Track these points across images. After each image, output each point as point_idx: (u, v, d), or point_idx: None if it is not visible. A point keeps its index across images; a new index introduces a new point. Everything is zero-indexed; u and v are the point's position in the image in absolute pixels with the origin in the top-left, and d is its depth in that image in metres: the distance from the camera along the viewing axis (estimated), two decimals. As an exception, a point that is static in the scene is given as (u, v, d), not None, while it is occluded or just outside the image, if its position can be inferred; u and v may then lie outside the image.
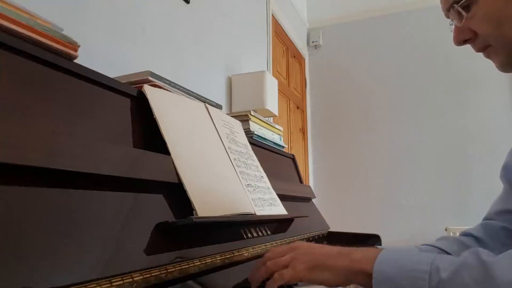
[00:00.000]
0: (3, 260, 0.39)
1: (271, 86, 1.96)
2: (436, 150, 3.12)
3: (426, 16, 3.25)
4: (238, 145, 1.02)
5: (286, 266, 0.59)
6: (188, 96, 0.95)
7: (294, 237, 1.09)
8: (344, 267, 0.56)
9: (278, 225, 1.05)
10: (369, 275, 0.53)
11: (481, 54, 0.66)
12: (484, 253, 0.49)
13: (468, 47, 0.67)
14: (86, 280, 0.45)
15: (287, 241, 1.04)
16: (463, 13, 0.61)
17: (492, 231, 0.78)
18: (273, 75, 2.54)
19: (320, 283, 0.58)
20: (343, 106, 3.47)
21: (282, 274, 0.59)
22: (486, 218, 0.83)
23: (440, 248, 0.75)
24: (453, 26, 0.65)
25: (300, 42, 3.42)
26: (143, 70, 0.85)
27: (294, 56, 3.29)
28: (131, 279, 0.50)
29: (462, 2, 0.61)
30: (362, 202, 3.24)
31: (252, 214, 0.86)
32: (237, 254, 0.77)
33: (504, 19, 0.58)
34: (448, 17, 0.65)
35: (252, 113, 1.40)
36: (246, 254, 0.80)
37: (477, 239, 0.77)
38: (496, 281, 0.45)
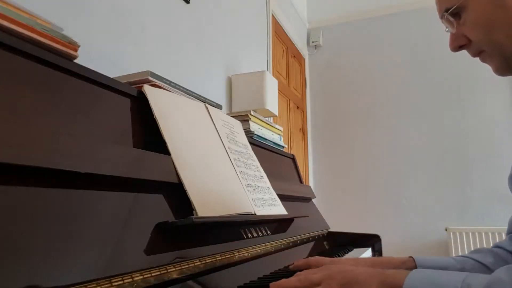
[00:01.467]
0: (3, 260, 0.39)
1: (271, 86, 1.96)
2: (436, 150, 3.12)
3: (426, 16, 3.25)
4: (238, 145, 1.02)
5: (318, 284, 0.58)
6: (188, 96, 0.95)
7: (294, 237, 1.10)
8: (376, 281, 0.55)
9: (278, 225, 1.05)
10: None
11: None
12: None
13: None
14: (86, 280, 0.45)
15: (287, 241, 1.04)
16: (453, 20, 0.63)
17: None
18: (273, 75, 2.54)
19: None
20: (343, 106, 3.46)
21: None
22: (510, 232, 0.81)
23: (476, 260, 0.74)
24: (449, 33, 0.66)
25: (300, 42, 3.42)
26: (143, 70, 0.85)
27: (294, 56, 3.29)
28: (131, 279, 0.50)
29: (451, 10, 0.62)
30: (362, 202, 3.24)
31: (252, 214, 0.86)
32: (237, 254, 0.77)
33: (493, 25, 0.59)
34: (444, 24, 0.67)
35: (252, 113, 1.40)
36: (246, 254, 0.80)
37: (511, 253, 0.76)
38: None
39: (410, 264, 0.72)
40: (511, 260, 0.74)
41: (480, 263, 0.74)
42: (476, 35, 0.62)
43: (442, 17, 0.65)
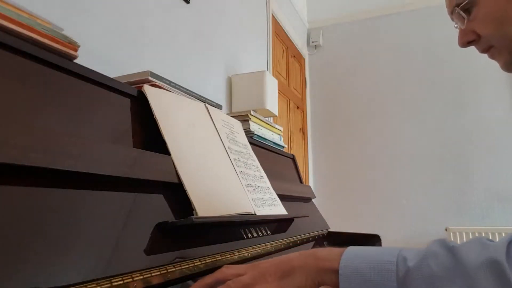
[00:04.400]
0: (3, 260, 0.39)
1: (271, 86, 1.96)
2: (436, 150, 3.12)
3: (426, 16, 3.25)
4: (238, 145, 1.02)
5: (253, 285, 0.52)
6: (188, 96, 0.95)
7: (294, 237, 1.10)
8: (312, 266, 0.52)
9: (278, 225, 1.05)
10: (336, 272, 0.50)
11: (482, 54, 0.67)
12: (447, 241, 0.49)
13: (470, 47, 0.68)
14: (86, 280, 0.45)
15: (287, 241, 1.04)
16: (464, 15, 0.62)
17: None
18: (273, 75, 2.54)
19: (293, 286, 0.52)
20: (343, 106, 3.46)
21: None
22: None
23: None
24: (458, 29, 0.66)
25: (300, 42, 3.42)
26: (143, 70, 0.85)
27: (294, 56, 3.29)
28: (131, 279, 0.50)
29: (462, 5, 0.62)
30: (362, 202, 3.24)
31: (252, 214, 0.86)
32: (237, 254, 0.77)
33: (505, 19, 0.59)
34: (453, 19, 0.66)
35: (252, 113, 1.40)
36: (246, 254, 0.80)
37: None
38: (464, 266, 0.45)
39: None
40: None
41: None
42: (487, 30, 0.62)
43: (452, 12, 0.64)
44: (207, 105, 0.97)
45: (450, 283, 0.45)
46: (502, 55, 0.63)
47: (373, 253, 0.51)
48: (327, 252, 0.54)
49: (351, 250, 0.52)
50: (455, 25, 0.66)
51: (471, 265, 0.44)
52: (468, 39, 0.65)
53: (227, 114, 1.20)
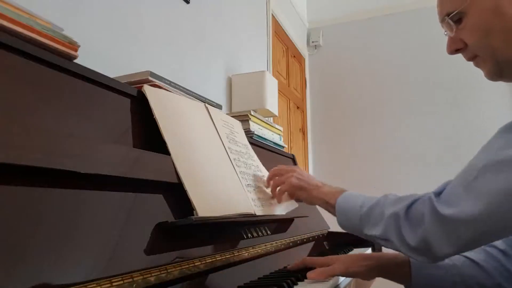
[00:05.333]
0: (3, 260, 0.39)
1: (271, 86, 1.96)
2: (436, 150, 3.12)
3: (426, 16, 3.25)
4: (238, 145, 1.02)
5: (283, 182, 0.93)
6: (188, 96, 0.95)
7: (294, 237, 1.10)
8: (316, 196, 0.86)
9: (278, 225, 1.05)
10: (329, 205, 0.82)
11: None
12: (391, 195, 0.73)
13: None
14: (86, 280, 0.45)
15: (287, 241, 1.04)
16: (453, 24, 0.66)
17: None
18: (273, 75, 2.54)
19: (300, 200, 0.95)
20: (343, 106, 3.46)
21: (281, 188, 0.94)
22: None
23: (466, 257, 0.79)
24: (447, 37, 0.70)
25: (300, 42, 3.42)
26: (143, 70, 0.85)
27: (294, 56, 3.29)
28: (131, 279, 0.50)
29: (452, 15, 0.65)
30: (362, 202, 3.24)
31: (252, 214, 0.86)
32: (237, 254, 0.77)
33: (490, 31, 0.63)
34: (443, 27, 0.70)
35: (252, 113, 1.40)
36: (246, 254, 0.80)
37: (502, 252, 0.79)
38: (384, 214, 0.69)
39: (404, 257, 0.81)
40: (502, 258, 0.77)
41: (471, 260, 0.78)
42: (472, 39, 0.65)
43: (442, 20, 0.68)
44: (207, 105, 0.97)
45: (379, 222, 0.70)
46: (486, 64, 0.67)
47: (357, 199, 0.77)
48: (328, 190, 0.86)
49: (347, 193, 0.81)
50: (445, 32, 0.70)
51: (387, 215, 0.69)
52: (456, 47, 0.69)
53: (227, 114, 1.20)
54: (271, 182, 0.97)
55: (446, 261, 0.77)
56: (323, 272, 0.78)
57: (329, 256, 0.87)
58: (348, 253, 1.24)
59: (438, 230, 0.61)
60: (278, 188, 0.95)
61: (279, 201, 0.96)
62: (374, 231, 0.71)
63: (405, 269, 0.80)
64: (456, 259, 0.79)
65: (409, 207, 0.66)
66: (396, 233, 0.67)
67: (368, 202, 0.74)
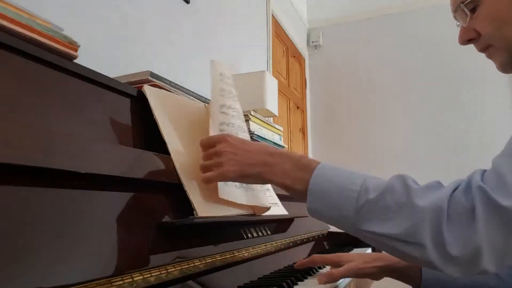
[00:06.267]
0: (3, 260, 0.39)
1: (271, 86, 1.96)
2: (436, 150, 3.12)
3: (426, 16, 3.25)
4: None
5: (210, 168, 0.66)
6: (188, 96, 0.95)
7: (294, 237, 1.10)
8: (266, 179, 0.63)
9: (278, 225, 1.05)
10: (286, 187, 0.61)
11: (482, 54, 0.68)
12: (410, 179, 0.55)
13: (469, 46, 0.69)
14: (86, 280, 0.45)
15: (287, 241, 1.04)
16: (468, 13, 0.63)
17: None
18: (273, 75, 2.53)
19: (248, 183, 0.71)
20: (343, 106, 3.46)
21: (210, 178, 0.66)
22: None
23: None
24: (460, 26, 0.67)
25: (300, 42, 3.42)
26: (143, 70, 0.85)
27: (294, 56, 3.29)
28: (131, 279, 0.50)
29: (467, 2, 0.63)
30: (362, 202, 3.24)
31: (252, 214, 0.86)
32: (237, 254, 0.77)
33: (506, 21, 0.60)
34: (455, 18, 0.67)
35: (252, 113, 1.40)
36: (246, 254, 0.80)
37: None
38: (413, 204, 0.51)
39: None
40: None
41: None
42: (487, 29, 0.63)
43: (456, 9, 0.65)
44: (207, 105, 0.97)
45: (397, 217, 0.51)
46: (499, 55, 0.64)
47: (339, 178, 0.57)
48: (283, 168, 0.61)
49: (322, 168, 0.59)
50: (457, 23, 0.67)
51: (418, 207, 0.50)
52: (468, 37, 0.66)
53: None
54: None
55: None
56: (331, 276, 0.73)
57: (338, 254, 0.84)
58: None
59: (497, 230, 0.46)
60: (203, 179, 0.67)
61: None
62: (385, 228, 0.51)
63: (416, 269, 0.77)
64: None
65: (450, 198, 0.50)
66: (432, 235, 0.48)
67: (372, 184, 0.54)
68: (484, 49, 0.66)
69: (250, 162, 0.63)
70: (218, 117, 0.80)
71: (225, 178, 0.66)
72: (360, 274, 0.77)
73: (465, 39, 0.66)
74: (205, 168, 0.67)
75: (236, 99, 0.87)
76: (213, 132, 0.78)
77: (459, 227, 0.48)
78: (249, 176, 0.64)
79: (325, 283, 0.72)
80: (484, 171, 0.53)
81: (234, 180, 0.65)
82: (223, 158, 0.64)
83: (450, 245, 0.47)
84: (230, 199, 0.75)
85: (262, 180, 0.63)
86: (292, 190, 0.61)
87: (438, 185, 0.55)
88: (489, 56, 0.67)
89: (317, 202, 0.58)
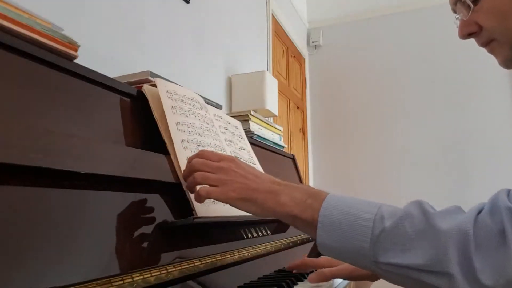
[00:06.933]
0: (3, 260, 0.39)
1: (271, 86, 1.96)
2: (436, 150, 3.12)
3: (426, 16, 3.25)
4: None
5: (212, 186, 0.58)
6: (188, 96, 0.95)
7: (294, 237, 1.10)
8: (270, 208, 0.56)
9: (278, 225, 1.05)
10: (293, 217, 0.54)
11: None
12: (427, 204, 0.51)
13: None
14: (86, 280, 0.45)
15: (287, 241, 1.04)
16: (471, 5, 0.60)
17: None
18: (273, 75, 2.54)
19: (249, 213, 0.58)
20: (343, 106, 3.46)
21: (209, 192, 0.57)
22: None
23: None
24: (459, 20, 0.64)
25: (300, 42, 3.42)
26: (143, 70, 0.85)
27: (294, 56, 3.29)
28: (131, 279, 0.50)
29: None
30: (362, 202, 3.24)
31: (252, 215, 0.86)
32: (237, 254, 0.77)
33: (510, 13, 0.58)
34: (455, 11, 0.64)
35: (252, 113, 1.40)
36: (246, 254, 0.80)
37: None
38: (435, 229, 0.46)
39: None
40: None
41: None
42: (489, 22, 0.60)
43: (456, 2, 0.62)
44: (207, 105, 0.97)
45: (419, 245, 0.46)
46: (502, 50, 0.61)
47: (351, 207, 0.51)
48: (290, 197, 0.55)
49: (332, 199, 0.53)
50: (457, 16, 0.64)
51: (441, 232, 0.45)
52: (469, 31, 0.62)
53: (227, 114, 1.20)
54: (190, 179, 0.60)
55: None
56: (322, 275, 0.70)
57: (329, 258, 0.84)
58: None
59: None
60: (201, 190, 0.58)
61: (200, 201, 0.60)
62: (406, 259, 0.46)
63: None
64: None
65: (475, 221, 0.46)
66: (460, 263, 0.44)
67: (386, 211, 0.50)
68: (486, 43, 0.63)
69: (256, 187, 0.57)
70: (176, 135, 0.75)
71: (226, 199, 0.57)
72: (354, 275, 0.73)
73: (466, 33, 0.63)
74: (204, 179, 0.58)
75: (188, 114, 0.82)
76: (179, 152, 0.72)
77: (489, 252, 0.43)
78: (252, 201, 0.56)
79: (316, 282, 0.69)
80: (509, 190, 0.48)
81: (233, 203, 0.57)
82: (229, 177, 0.58)
83: (481, 273, 0.42)
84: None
85: (264, 208, 0.56)
86: (299, 220, 0.54)
87: (458, 209, 0.51)
88: (491, 51, 0.63)
89: (328, 235, 0.51)
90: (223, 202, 0.58)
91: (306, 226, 0.54)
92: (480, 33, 0.62)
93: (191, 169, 0.60)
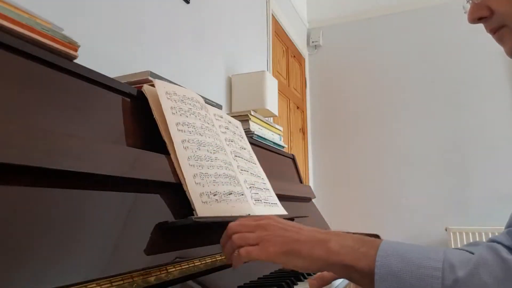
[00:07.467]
0: (3, 260, 0.39)
1: (271, 86, 1.96)
2: (436, 150, 3.12)
3: (426, 16, 3.25)
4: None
5: (254, 244, 0.53)
6: (188, 96, 0.95)
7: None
8: (320, 258, 0.50)
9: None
10: (346, 267, 0.49)
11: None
12: (503, 251, 0.46)
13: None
14: (86, 280, 0.45)
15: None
16: None
17: None
18: (273, 75, 2.54)
19: (295, 268, 0.53)
20: (343, 106, 3.46)
21: (249, 252, 0.53)
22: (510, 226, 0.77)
23: (471, 253, 0.72)
24: (469, 4, 0.62)
25: (300, 42, 3.42)
26: (143, 70, 0.85)
27: (294, 56, 3.29)
28: (131, 279, 0.50)
29: None
30: (362, 202, 3.24)
31: (251, 215, 0.86)
32: (237, 254, 0.77)
33: None
34: None
35: (252, 113, 1.40)
36: (246, 254, 0.80)
37: (509, 248, 0.73)
38: None
39: None
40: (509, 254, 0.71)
41: None
42: (503, 7, 0.57)
43: None
44: (207, 105, 0.97)
45: None
46: None
47: (411, 254, 0.46)
48: (340, 245, 0.50)
49: (387, 245, 0.48)
50: (468, 0, 0.61)
51: None
52: (480, 15, 0.59)
53: (227, 114, 1.20)
54: (229, 244, 0.56)
55: None
56: (323, 279, 0.65)
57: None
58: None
59: None
60: (241, 251, 0.54)
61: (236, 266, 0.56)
62: None
63: None
64: None
65: None
66: None
67: (456, 259, 0.45)
68: (496, 29, 0.60)
69: (299, 238, 0.52)
70: (176, 136, 0.74)
71: (267, 257, 0.52)
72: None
73: (476, 17, 0.60)
74: (243, 239, 0.54)
75: (188, 114, 0.82)
76: (179, 152, 0.71)
77: None
78: (296, 254, 0.51)
79: (317, 287, 0.65)
80: None
81: (275, 259, 0.52)
82: (269, 231, 0.53)
83: None
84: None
85: (313, 259, 0.50)
86: (352, 270, 0.49)
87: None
88: (500, 38, 0.60)
89: (387, 287, 0.45)
90: (265, 260, 0.53)
91: (362, 278, 0.49)
92: (491, 18, 0.59)
93: (228, 232, 0.56)
